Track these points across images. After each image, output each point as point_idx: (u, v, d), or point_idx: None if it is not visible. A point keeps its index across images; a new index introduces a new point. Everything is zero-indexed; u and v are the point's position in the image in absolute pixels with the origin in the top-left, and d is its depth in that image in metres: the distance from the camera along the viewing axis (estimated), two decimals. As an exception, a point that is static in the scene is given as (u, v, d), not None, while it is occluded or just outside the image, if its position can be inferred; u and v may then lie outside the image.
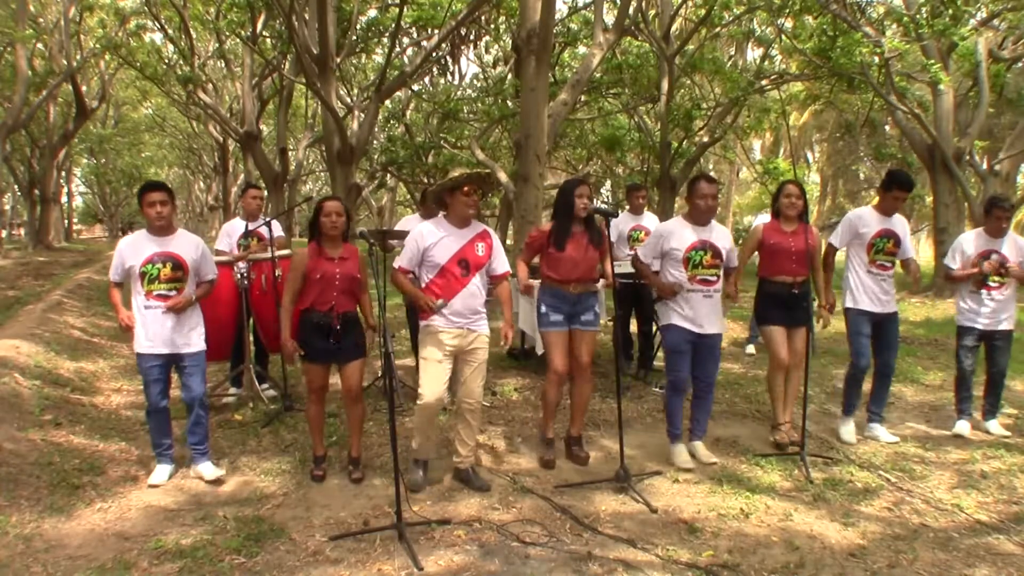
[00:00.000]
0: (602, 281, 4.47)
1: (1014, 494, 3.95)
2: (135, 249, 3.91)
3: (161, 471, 4.03)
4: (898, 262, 4.88)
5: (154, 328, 3.88)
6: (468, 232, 3.93)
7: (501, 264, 4.04)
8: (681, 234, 4.28)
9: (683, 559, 3.18)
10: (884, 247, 4.75)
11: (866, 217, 4.80)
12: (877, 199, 4.93)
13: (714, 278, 4.28)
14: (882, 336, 4.83)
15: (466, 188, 3.86)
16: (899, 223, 4.83)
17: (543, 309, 4.26)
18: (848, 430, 4.88)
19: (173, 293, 3.90)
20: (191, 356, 3.98)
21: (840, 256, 4.97)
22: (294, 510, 3.65)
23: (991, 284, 4.88)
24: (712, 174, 32.39)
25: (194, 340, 4.00)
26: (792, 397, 4.77)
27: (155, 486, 3.92)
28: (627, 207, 6.84)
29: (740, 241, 4.81)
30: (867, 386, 4.96)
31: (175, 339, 3.91)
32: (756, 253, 4.86)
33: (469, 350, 3.91)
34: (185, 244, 4.00)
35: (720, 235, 4.34)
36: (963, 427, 5.02)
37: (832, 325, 5.38)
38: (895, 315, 4.83)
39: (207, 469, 4.04)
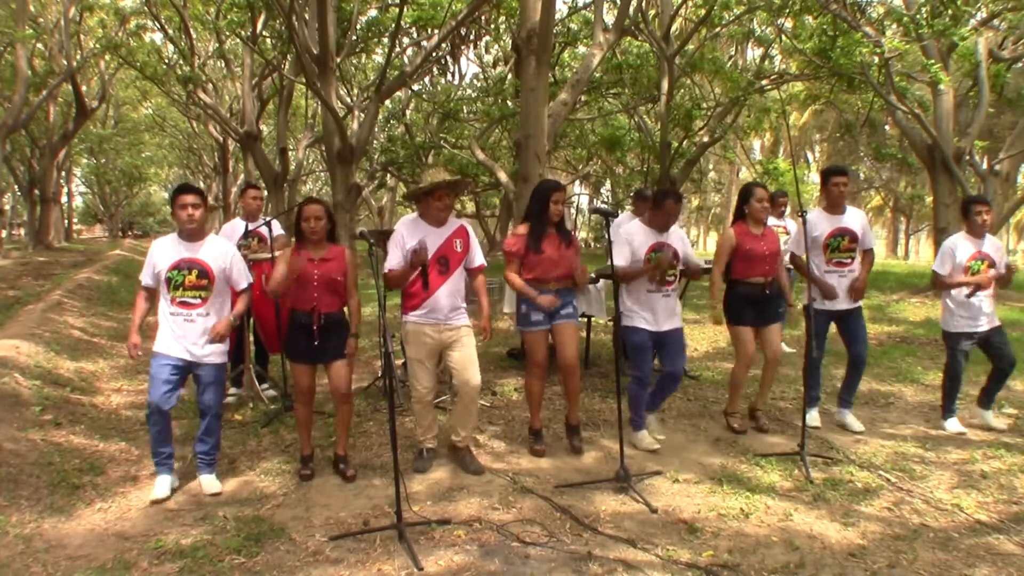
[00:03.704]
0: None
1: (1014, 494, 3.94)
2: (164, 252, 3.83)
3: (162, 483, 3.83)
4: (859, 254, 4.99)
5: (177, 334, 3.78)
6: (445, 230, 4.10)
7: (477, 257, 4.22)
8: (640, 238, 4.51)
9: (683, 559, 3.18)
10: (839, 245, 4.87)
11: (816, 220, 4.89)
12: (824, 201, 5.02)
13: (671, 279, 4.53)
14: (848, 330, 4.98)
15: (439, 194, 4.02)
16: (854, 218, 4.93)
17: (523, 309, 4.38)
18: (813, 416, 5.04)
19: (196, 301, 3.80)
20: (211, 367, 3.87)
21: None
22: (294, 510, 3.66)
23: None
24: (712, 174, 32.39)
25: (216, 351, 3.88)
26: (767, 388, 5.10)
27: (158, 501, 3.72)
28: (629, 208, 6.84)
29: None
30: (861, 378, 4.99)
31: (197, 348, 3.80)
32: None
33: (453, 342, 4.08)
34: (214, 251, 3.88)
35: (676, 239, 4.57)
36: (955, 424, 5.07)
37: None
38: (858, 310, 4.97)
39: (208, 481, 3.93)
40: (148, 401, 3.83)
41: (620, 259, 4.48)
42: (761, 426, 5.00)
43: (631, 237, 4.52)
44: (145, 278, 3.88)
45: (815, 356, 4.90)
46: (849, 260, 4.89)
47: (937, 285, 5.11)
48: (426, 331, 4.04)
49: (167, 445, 3.91)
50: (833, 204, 4.91)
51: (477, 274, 4.26)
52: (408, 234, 4.04)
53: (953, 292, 4.95)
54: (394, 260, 4.04)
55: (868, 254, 5.05)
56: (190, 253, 3.83)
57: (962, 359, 5.00)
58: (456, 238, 4.10)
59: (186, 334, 3.79)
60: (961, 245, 4.95)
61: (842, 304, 4.88)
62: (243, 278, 4.02)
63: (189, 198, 3.80)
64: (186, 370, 3.85)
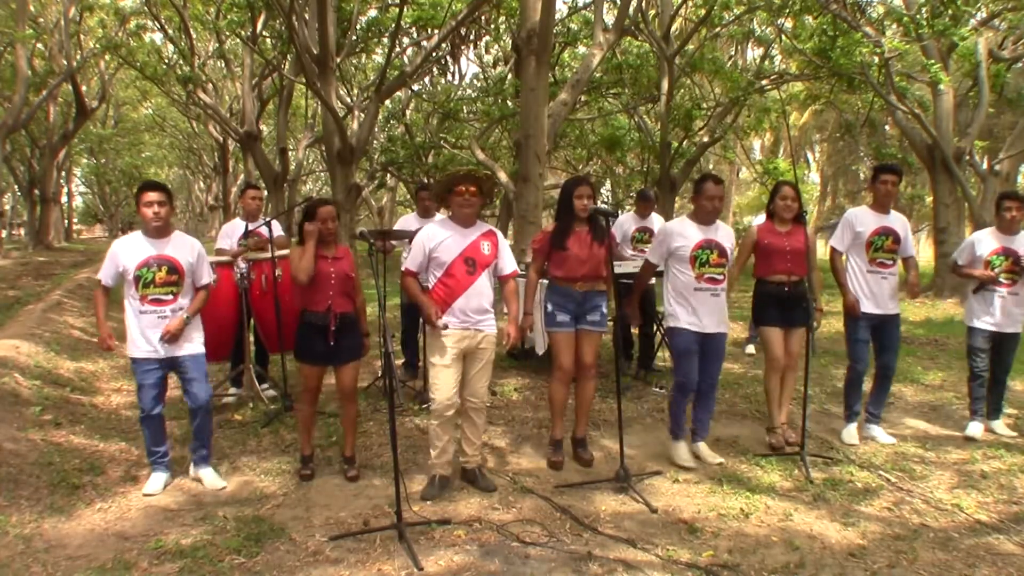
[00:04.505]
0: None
1: (1014, 494, 3.94)
2: (130, 251, 3.78)
3: (156, 479, 3.89)
4: (899, 261, 4.85)
5: (149, 332, 3.76)
6: (473, 231, 3.94)
7: (508, 264, 4.04)
8: (687, 233, 4.28)
9: (683, 559, 3.18)
10: (883, 245, 4.69)
11: (862, 216, 4.75)
12: (871, 198, 4.88)
13: (720, 277, 4.27)
14: (882, 337, 4.78)
15: (459, 188, 3.88)
16: (897, 220, 4.77)
17: (549, 308, 4.24)
18: (850, 433, 4.84)
19: (168, 297, 3.78)
20: (190, 359, 3.85)
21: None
22: (294, 510, 3.65)
23: (1003, 281, 4.81)
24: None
25: (192, 342, 3.87)
26: (787, 397, 4.79)
27: (150, 495, 3.80)
28: (632, 208, 6.85)
29: (739, 241, 4.78)
30: (866, 387, 4.98)
31: (172, 344, 3.78)
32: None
33: (476, 349, 3.91)
34: (181, 247, 3.87)
35: (724, 234, 4.34)
36: (976, 429, 4.94)
37: (832, 325, 5.38)
38: (897, 316, 4.78)
39: (208, 475, 3.95)
40: (140, 408, 3.85)
41: (654, 255, 4.34)
42: (787, 439, 4.67)
43: (678, 234, 4.28)
44: (106, 278, 3.83)
45: (861, 367, 4.77)
46: (891, 262, 4.71)
47: (952, 270, 5.12)
48: (456, 334, 3.84)
49: (161, 444, 3.94)
50: (879, 202, 4.74)
51: (508, 280, 4.06)
52: (434, 235, 3.89)
53: (969, 286, 4.93)
54: (415, 262, 3.93)
55: (911, 259, 4.85)
56: (158, 250, 3.80)
57: (980, 357, 4.92)
58: (484, 240, 3.94)
59: (159, 331, 3.76)
60: (985, 239, 4.90)
61: (884, 308, 4.70)
62: (206, 275, 4.01)
63: (154, 195, 3.75)
64: (166, 367, 3.83)
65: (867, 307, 4.68)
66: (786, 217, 4.64)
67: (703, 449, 4.45)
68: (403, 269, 3.99)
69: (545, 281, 4.41)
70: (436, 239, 3.87)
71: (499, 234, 4.09)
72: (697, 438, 4.48)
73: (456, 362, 3.85)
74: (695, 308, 4.22)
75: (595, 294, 4.25)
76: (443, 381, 3.84)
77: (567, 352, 4.23)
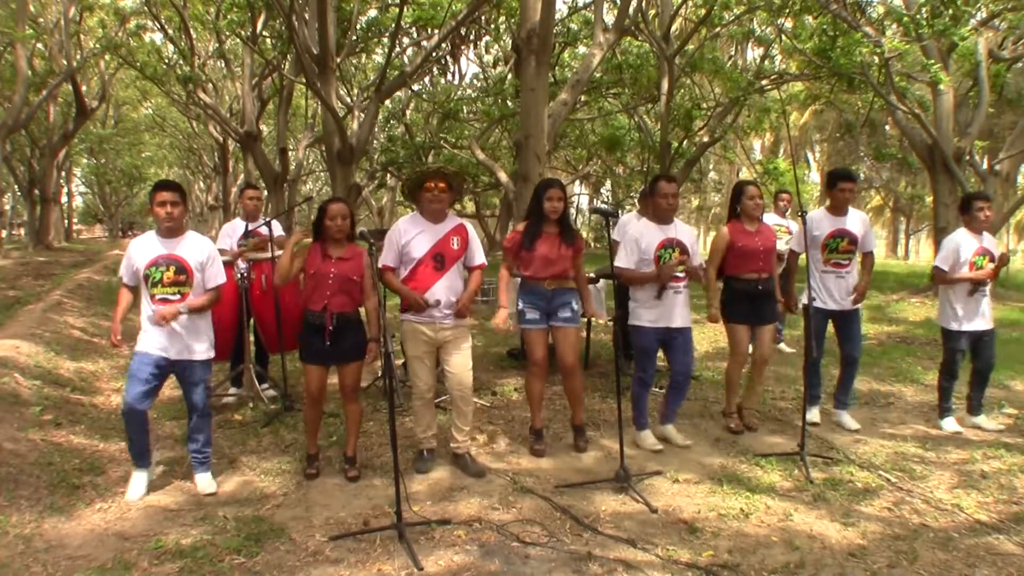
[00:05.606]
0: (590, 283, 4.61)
1: (1014, 494, 3.94)
2: (142, 250, 3.76)
3: (137, 482, 3.78)
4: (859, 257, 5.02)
5: (158, 332, 3.72)
6: (443, 227, 4.08)
7: (477, 256, 4.20)
8: (648, 235, 4.47)
9: (683, 559, 3.18)
10: (838, 247, 4.90)
11: (818, 219, 4.94)
12: (828, 202, 5.06)
13: (682, 275, 4.48)
14: (843, 331, 5.02)
15: (428, 184, 3.99)
16: (855, 220, 4.95)
17: (521, 306, 4.40)
18: (813, 414, 5.08)
19: (176, 297, 3.73)
20: (194, 364, 3.79)
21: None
22: (294, 510, 3.65)
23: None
24: (712, 174, 32.31)
25: (200, 348, 3.81)
26: (756, 385, 5.04)
27: (134, 500, 3.70)
28: (635, 208, 6.88)
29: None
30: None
31: (179, 346, 3.74)
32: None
33: (449, 341, 4.05)
34: (192, 247, 3.81)
35: (684, 232, 4.56)
36: (952, 424, 5.09)
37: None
38: (856, 312, 5.02)
39: (203, 480, 3.90)
40: (124, 401, 3.76)
41: (623, 261, 4.49)
42: (748, 424, 4.99)
43: (640, 237, 4.49)
44: (125, 276, 3.82)
45: (815, 356, 4.94)
46: (847, 262, 4.92)
47: (937, 280, 5.11)
48: (422, 329, 4.03)
49: (143, 442, 3.82)
50: (836, 206, 4.95)
51: (474, 270, 4.23)
52: (405, 230, 4.04)
53: (955, 289, 4.94)
54: (389, 257, 4.05)
55: (868, 257, 5.07)
56: (167, 249, 3.76)
57: (959, 358, 5.02)
58: (454, 235, 4.07)
59: (168, 332, 3.72)
60: (966, 241, 4.96)
61: (840, 304, 4.92)
62: (216, 277, 3.90)
63: (167, 195, 3.72)
64: (168, 370, 3.78)
65: (825, 303, 4.90)
66: (756, 215, 4.83)
67: (672, 432, 4.66)
68: (379, 266, 4.01)
69: (518, 279, 4.51)
70: (407, 235, 4.00)
71: (469, 228, 4.21)
72: (666, 421, 4.72)
73: (429, 354, 4.09)
74: (656, 305, 4.44)
75: (564, 291, 4.40)
76: (420, 371, 4.12)
77: (539, 347, 4.40)
